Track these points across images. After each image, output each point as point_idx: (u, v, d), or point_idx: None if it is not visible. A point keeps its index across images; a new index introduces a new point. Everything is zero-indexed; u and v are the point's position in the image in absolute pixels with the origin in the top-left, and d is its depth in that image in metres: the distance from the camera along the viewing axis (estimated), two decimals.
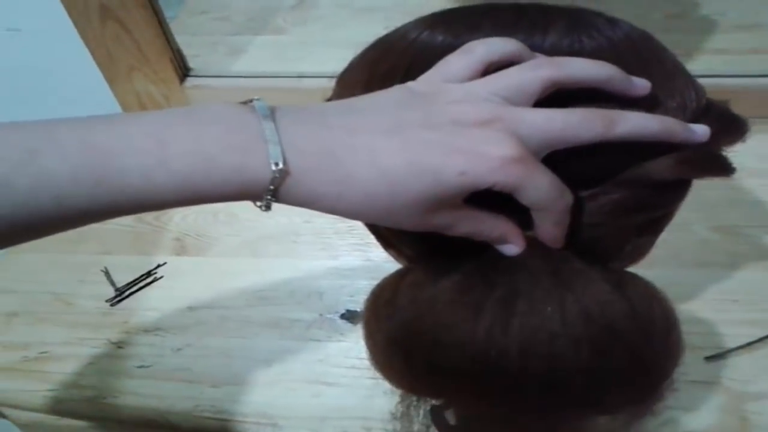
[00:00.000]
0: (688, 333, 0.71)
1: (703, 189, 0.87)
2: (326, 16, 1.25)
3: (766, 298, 0.77)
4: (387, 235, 0.50)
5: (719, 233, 0.86)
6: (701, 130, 0.42)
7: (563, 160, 0.40)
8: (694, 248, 0.84)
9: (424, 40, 0.46)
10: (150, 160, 0.37)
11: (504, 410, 0.45)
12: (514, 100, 0.40)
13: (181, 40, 1.09)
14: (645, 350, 0.42)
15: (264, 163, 0.38)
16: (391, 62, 0.46)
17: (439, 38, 0.45)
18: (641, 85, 0.41)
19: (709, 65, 1.06)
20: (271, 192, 0.38)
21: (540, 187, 0.38)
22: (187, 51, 1.11)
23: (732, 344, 0.72)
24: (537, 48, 0.43)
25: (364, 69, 0.48)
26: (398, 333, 0.44)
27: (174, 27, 1.07)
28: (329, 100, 0.50)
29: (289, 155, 0.38)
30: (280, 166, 0.37)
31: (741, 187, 0.91)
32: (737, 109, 0.46)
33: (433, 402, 0.50)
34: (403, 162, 0.38)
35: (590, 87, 0.40)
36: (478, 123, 0.38)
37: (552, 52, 0.43)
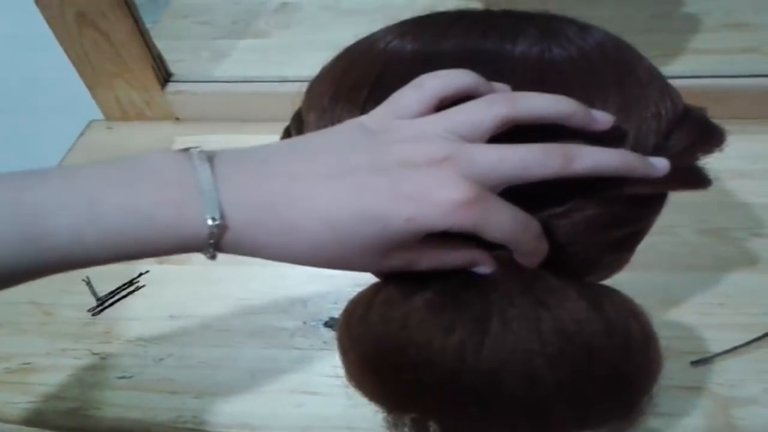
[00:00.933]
0: (674, 338, 0.72)
1: (690, 192, 0.87)
2: (310, 19, 1.24)
3: (753, 302, 0.77)
4: None
5: (706, 236, 0.85)
6: (661, 165, 0.41)
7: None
8: (680, 252, 0.83)
9: (392, 49, 0.45)
10: (80, 219, 0.36)
11: (482, 428, 0.44)
12: (468, 137, 0.39)
13: (164, 44, 1.08)
14: (623, 366, 0.42)
15: (201, 218, 0.36)
16: (359, 72, 0.45)
17: (408, 47, 0.44)
18: (603, 120, 0.40)
19: (695, 65, 1.06)
20: (211, 245, 0.38)
21: (501, 224, 0.37)
22: (169, 56, 1.10)
23: (718, 348, 0.71)
24: (507, 57, 0.42)
25: (332, 80, 0.47)
26: (370, 350, 0.44)
27: (156, 31, 1.06)
28: (299, 109, 0.49)
29: (227, 208, 0.37)
30: (217, 221, 0.36)
31: (728, 190, 0.91)
32: (724, 109, 0.45)
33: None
34: (347, 210, 0.37)
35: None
36: (428, 163, 0.37)
37: (522, 60, 0.42)
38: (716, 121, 0.47)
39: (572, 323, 0.40)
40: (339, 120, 0.43)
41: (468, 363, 0.40)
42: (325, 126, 0.44)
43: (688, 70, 1.00)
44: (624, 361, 0.42)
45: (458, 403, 0.41)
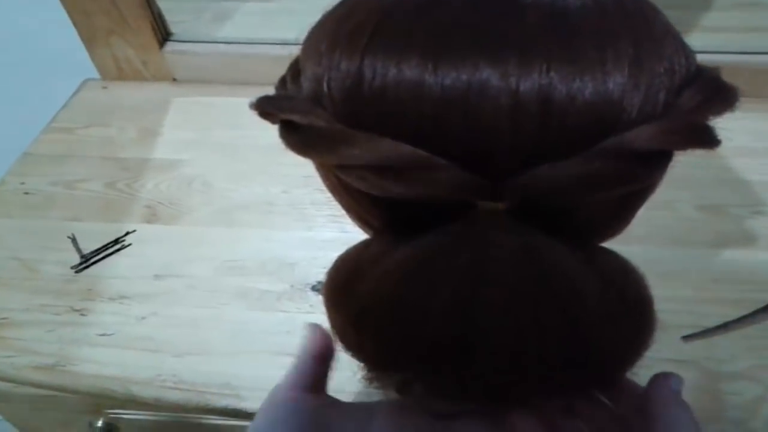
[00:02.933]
0: (667, 311, 0.70)
1: (690, 167, 0.86)
2: None
3: (747, 279, 0.75)
4: (352, 204, 0.48)
5: (704, 212, 0.84)
6: None
7: (536, 128, 0.37)
8: (678, 226, 0.82)
9: None
10: None
11: (466, 385, 0.43)
12: None
13: (166, 5, 1.07)
14: (617, 326, 0.40)
15: None
16: (359, 18, 0.43)
17: None
18: None
19: (705, 42, 1.04)
20: None
21: None
22: (171, 17, 1.09)
23: (710, 323, 0.70)
24: (517, 1, 0.40)
25: (331, 25, 0.45)
26: (355, 306, 0.42)
27: None
28: (296, 60, 0.48)
29: None
30: None
31: (729, 166, 0.89)
32: None
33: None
34: None
35: None
36: None
37: (533, 5, 0.40)
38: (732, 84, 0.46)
39: (565, 279, 0.39)
40: (337, 67, 0.41)
41: (454, 318, 0.38)
42: (322, 74, 0.42)
43: (699, 46, 0.97)
44: (618, 320, 0.40)
45: (442, 359, 0.40)
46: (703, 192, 0.86)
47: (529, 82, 0.36)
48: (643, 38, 0.40)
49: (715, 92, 0.42)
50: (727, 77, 0.43)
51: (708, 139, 0.39)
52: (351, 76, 0.39)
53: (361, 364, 0.44)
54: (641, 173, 0.40)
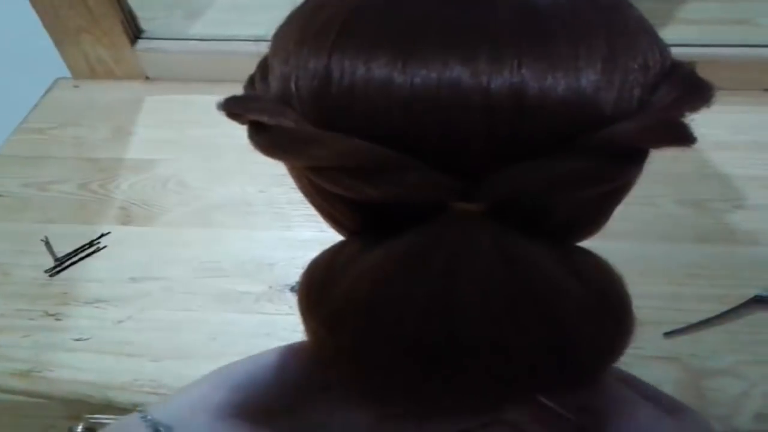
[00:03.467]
0: (649, 308, 0.71)
1: (670, 162, 0.86)
2: None
3: (729, 274, 0.75)
4: (325, 206, 0.47)
5: (686, 207, 0.84)
6: None
7: (509, 127, 0.37)
8: (660, 222, 0.82)
9: None
10: None
11: (442, 390, 0.42)
12: None
13: (138, 2, 1.05)
14: (596, 324, 0.40)
15: None
16: (325, 17, 0.42)
17: None
18: None
19: (684, 35, 1.04)
20: None
21: None
22: (143, 13, 1.07)
23: (693, 319, 0.70)
24: None
25: (299, 23, 0.44)
26: (329, 309, 0.41)
27: None
28: (265, 57, 0.47)
29: None
30: None
31: (709, 161, 0.89)
32: (710, 79, 0.43)
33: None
34: None
35: None
36: None
37: (504, 3, 0.40)
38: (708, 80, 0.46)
39: (541, 278, 0.38)
40: (305, 66, 0.40)
41: (430, 321, 0.38)
42: (290, 73, 0.41)
43: (677, 38, 0.97)
44: (596, 319, 0.40)
45: (418, 362, 0.40)
46: (684, 187, 0.86)
47: (501, 79, 0.36)
48: (616, 34, 0.39)
49: (690, 88, 0.41)
50: (706, 70, 0.42)
51: (683, 137, 0.39)
52: (318, 76, 0.38)
53: (340, 375, 0.44)
54: (617, 171, 0.39)
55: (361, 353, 0.41)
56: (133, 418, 0.49)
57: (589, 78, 0.37)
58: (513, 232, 0.39)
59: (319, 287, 0.43)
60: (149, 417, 0.49)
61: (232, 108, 0.42)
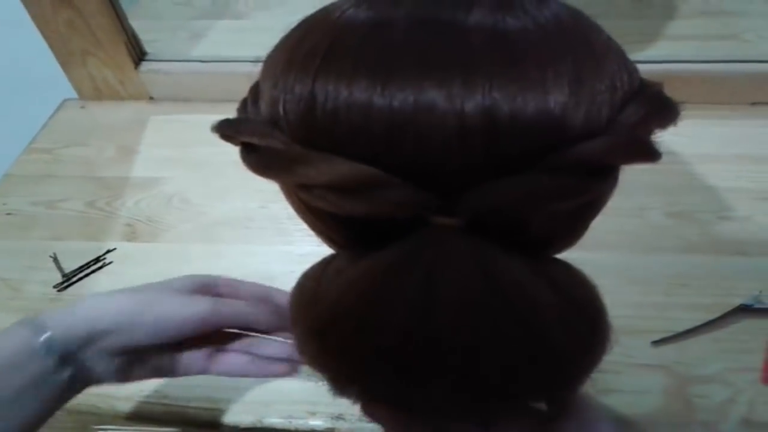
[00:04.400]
0: (637, 317, 0.72)
1: (658, 175, 0.88)
2: (288, 2, 1.24)
3: (715, 284, 0.77)
4: (315, 222, 0.49)
5: (673, 218, 0.86)
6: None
7: (483, 146, 0.39)
8: (647, 233, 0.84)
9: (346, 18, 0.44)
10: None
11: (422, 398, 0.44)
12: None
13: (142, 24, 1.08)
14: (572, 334, 0.42)
15: None
16: (312, 41, 0.44)
17: (362, 15, 0.44)
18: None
19: (671, 51, 1.06)
20: None
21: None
22: (146, 36, 1.10)
23: (680, 328, 0.72)
24: (460, 26, 0.42)
25: (286, 49, 0.46)
26: (317, 319, 0.43)
27: (135, 11, 1.06)
28: (257, 82, 0.49)
29: None
30: None
31: (698, 173, 0.91)
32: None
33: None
34: None
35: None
36: None
37: (475, 30, 0.42)
38: (675, 99, 0.47)
39: (518, 289, 0.40)
40: (291, 90, 0.42)
41: (411, 331, 0.39)
42: (278, 97, 0.43)
43: (665, 54, 1.00)
44: (571, 328, 0.42)
45: (401, 372, 0.41)
46: (672, 199, 0.88)
47: (473, 102, 0.38)
48: (583, 57, 0.41)
49: (657, 107, 0.43)
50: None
51: (648, 153, 0.41)
52: (304, 99, 0.40)
53: (325, 377, 0.46)
54: (586, 187, 0.41)
55: (346, 362, 0.43)
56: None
57: (556, 99, 0.39)
58: (489, 245, 0.41)
59: (308, 296, 0.45)
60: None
61: (225, 130, 0.45)
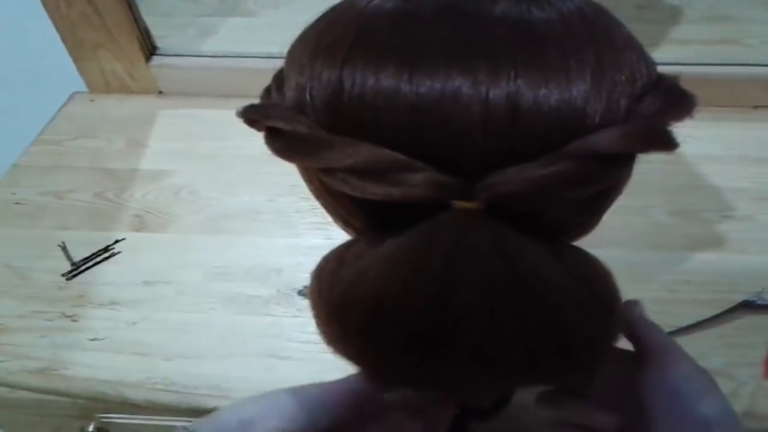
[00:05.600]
0: None
1: (662, 175, 0.89)
2: (296, 0, 1.25)
3: (718, 280, 0.78)
4: (335, 206, 0.50)
5: (677, 217, 0.87)
6: None
7: (505, 132, 0.40)
8: (651, 231, 0.85)
9: (372, 8, 0.45)
10: None
11: (442, 378, 0.45)
12: None
13: (151, 21, 1.09)
14: (587, 315, 0.43)
15: None
16: (338, 30, 0.45)
17: (388, 5, 0.45)
18: None
19: (676, 54, 1.08)
20: None
21: None
22: (156, 32, 1.11)
23: (684, 323, 0.72)
24: (486, 16, 0.43)
25: (312, 38, 0.47)
26: (338, 302, 0.44)
27: (145, 8, 1.07)
28: (281, 70, 0.50)
29: None
30: None
31: (701, 174, 0.92)
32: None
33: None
34: None
35: None
36: None
37: (501, 20, 0.43)
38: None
39: (536, 271, 0.41)
40: (319, 76, 0.43)
41: (432, 312, 0.40)
42: (304, 84, 0.44)
43: (670, 58, 1.01)
44: (586, 309, 0.42)
45: (422, 352, 0.42)
46: (676, 198, 0.89)
47: (498, 89, 0.39)
48: (604, 49, 0.42)
49: (674, 99, 0.44)
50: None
51: (667, 142, 0.42)
52: (332, 86, 0.41)
53: (347, 360, 0.46)
54: (604, 174, 0.42)
55: (367, 343, 0.44)
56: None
57: (579, 88, 0.40)
58: (508, 229, 0.42)
59: (328, 280, 0.46)
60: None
61: (251, 115, 0.46)
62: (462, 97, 0.39)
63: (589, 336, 0.43)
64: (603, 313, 0.44)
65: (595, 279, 0.44)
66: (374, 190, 0.40)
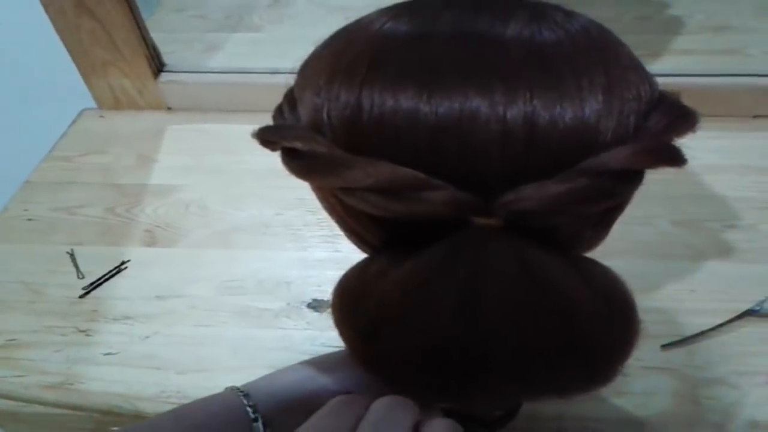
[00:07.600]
0: (647, 322, 0.73)
1: (666, 185, 0.90)
2: (302, 15, 1.26)
3: (722, 290, 0.79)
4: (351, 224, 0.51)
5: (681, 227, 0.88)
6: None
7: (522, 150, 0.41)
8: (655, 241, 0.86)
9: (387, 30, 0.46)
10: None
11: (467, 393, 0.46)
12: None
13: (158, 37, 1.10)
14: (606, 328, 0.43)
15: None
16: (355, 52, 0.46)
17: (403, 28, 0.45)
18: None
19: (676, 65, 1.09)
20: None
21: None
22: (163, 48, 1.12)
23: (689, 333, 0.73)
24: (499, 38, 0.44)
25: (327, 59, 0.48)
26: (367, 320, 0.45)
27: (151, 24, 1.08)
28: (291, 90, 0.50)
29: None
30: None
31: (704, 183, 0.93)
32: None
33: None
34: None
35: None
36: None
37: (513, 42, 0.44)
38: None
39: (556, 286, 0.41)
40: (336, 98, 0.44)
41: (457, 329, 0.41)
42: (321, 104, 0.45)
43: (671, 68, 1.02)
44: (606, 322, 0.43)
45: (448, 368, 0.43)
46: (679, 208, 0.90)
47: (515, 109, 0.40)
48: (612, 68, 0.43)
49: (678, 115, 0.45)
50: (699, 98, 0.46)
51: (676, 158, 0.43)
52: (350, 107, 0.42)
53: (378, 378, 0.47)
54: (617, 190, 0.43)
55: (394, 357, 0.45)
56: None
57: (591, 107, 0.41)
58: (528, 243, 0.42)
59: (352, 299, 0.47)
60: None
61: (267, 136, 0.46)
62: (480, 117, 0.40)
63: (609, 348, 0.44)
64: (622, 324, 0.45)
65: (612, 291, 0.45)
66: (394, 208, 0.41)
